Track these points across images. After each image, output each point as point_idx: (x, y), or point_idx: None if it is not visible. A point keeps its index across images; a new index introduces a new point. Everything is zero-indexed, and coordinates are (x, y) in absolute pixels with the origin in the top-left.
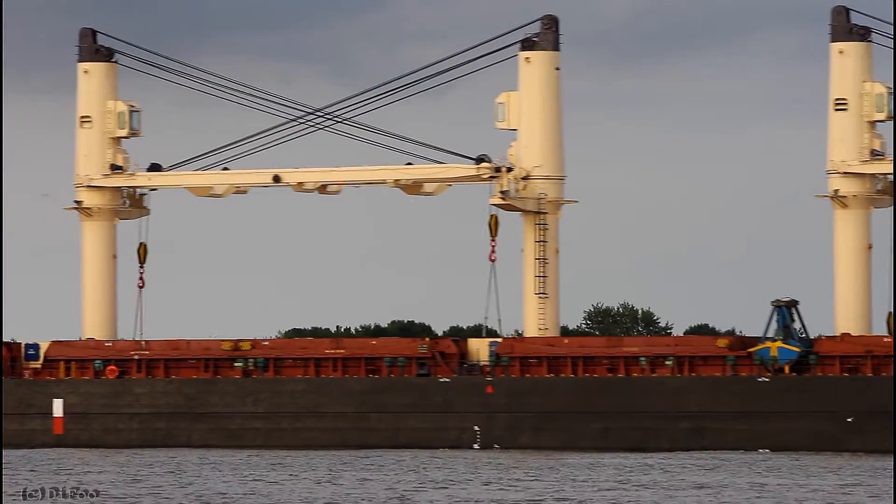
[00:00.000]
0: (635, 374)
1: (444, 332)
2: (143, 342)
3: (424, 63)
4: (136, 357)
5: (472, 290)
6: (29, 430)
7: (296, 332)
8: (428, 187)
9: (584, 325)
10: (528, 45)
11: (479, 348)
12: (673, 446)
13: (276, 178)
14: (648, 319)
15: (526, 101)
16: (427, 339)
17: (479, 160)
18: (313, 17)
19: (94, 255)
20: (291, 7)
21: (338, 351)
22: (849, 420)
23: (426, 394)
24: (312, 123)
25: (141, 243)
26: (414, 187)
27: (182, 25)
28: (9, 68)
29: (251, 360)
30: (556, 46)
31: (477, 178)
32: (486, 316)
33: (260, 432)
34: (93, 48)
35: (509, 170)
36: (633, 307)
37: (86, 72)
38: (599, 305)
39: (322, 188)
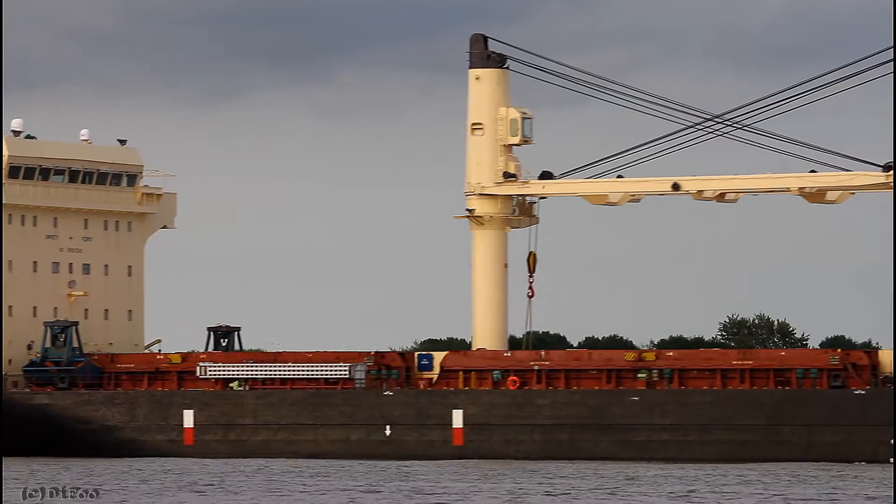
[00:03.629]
0: None
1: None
2: (542, 353)
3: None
4: (535, 368)
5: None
6: (428, 441)
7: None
8: (830, 195)
9: (719, 337)
10: None
11: (892, 360)
12: None
13: (676, 186)
14: (784, 331)
15: None
16: (839, 349)
17: (888, 167)
18: None
19: (486, 264)
20: None
21: (745, 362)
22: None
23: (840, 406)
24: (711, 130)
25: (531, 252)
26: (817, 195)
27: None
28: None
29: (655, 370)
30: None
31: (886, 185)
32: None
33: (667, 445)
34: (484, 54)
35: None
36: (768, 318)
37: (477, 78)
38: (735, 316)
39: (720, 196)
